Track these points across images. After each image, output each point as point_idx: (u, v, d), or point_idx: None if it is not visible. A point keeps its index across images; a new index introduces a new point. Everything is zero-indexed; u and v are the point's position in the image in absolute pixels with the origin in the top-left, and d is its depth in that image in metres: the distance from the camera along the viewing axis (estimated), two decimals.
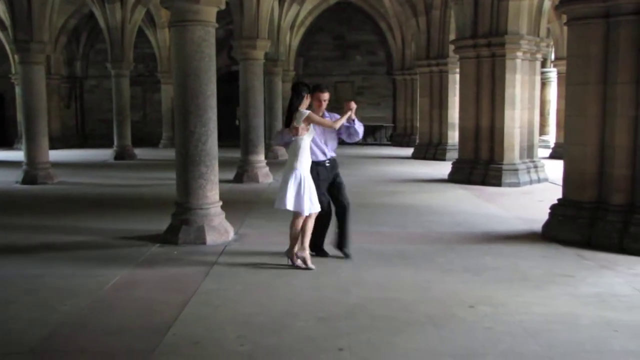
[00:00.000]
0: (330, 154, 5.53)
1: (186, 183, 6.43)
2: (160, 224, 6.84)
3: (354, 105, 5.47)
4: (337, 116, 5.47)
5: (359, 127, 5.49)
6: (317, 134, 5.39)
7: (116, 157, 16.82)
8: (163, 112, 21.98)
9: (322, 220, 5.44)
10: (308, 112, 5.21)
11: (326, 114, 5.51)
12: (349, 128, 5.48)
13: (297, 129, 5.18)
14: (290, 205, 5.10)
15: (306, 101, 5.23)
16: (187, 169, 6.41)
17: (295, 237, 5.26)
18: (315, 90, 5.36)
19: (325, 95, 5.39)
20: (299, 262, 5.25)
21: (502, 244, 6.29)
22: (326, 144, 5.49)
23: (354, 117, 5.47)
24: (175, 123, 6.60)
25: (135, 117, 21.27)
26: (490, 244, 6.30)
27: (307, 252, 5.26)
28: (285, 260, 5.36)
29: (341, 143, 5.81)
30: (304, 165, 5.16)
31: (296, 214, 5.22)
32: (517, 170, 10.82)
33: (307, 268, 5.18)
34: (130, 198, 9.75)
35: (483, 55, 10.94)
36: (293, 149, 5.20)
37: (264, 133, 12.26)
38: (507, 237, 6.61)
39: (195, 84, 6.30)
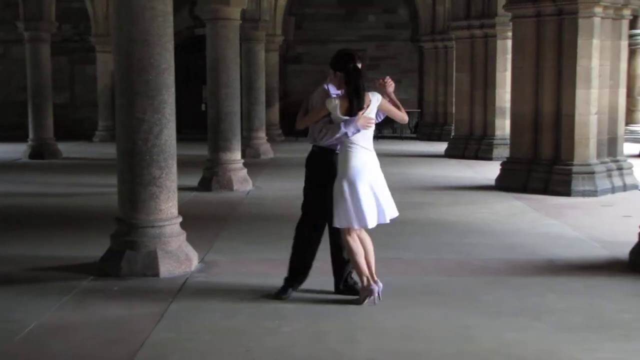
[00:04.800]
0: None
1: (132, 191, 6.44)
2: (95, 248, 6.83)
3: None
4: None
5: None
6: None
7: (32, 156, 16.81)
8: (99, 93, 21.98)
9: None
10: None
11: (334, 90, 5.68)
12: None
13: (368, 119, 5.43)
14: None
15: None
16: (133, 171, 6.41)
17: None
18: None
19: None
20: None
21: (573, 276, 6.28)
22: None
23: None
24: (116, 108, 6.61)
25: (59, 99, 21.29)
26: (555, 276, 6.30)
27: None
28: (271, 298, 5.40)
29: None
30: None
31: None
32: (593, 173, 10.82)
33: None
34: (52, 213, 9.74)
35: (546, 12, 10.96)
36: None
37: (241, 122, 12.27)
38: (579, 267, 6.61)
39: (145, 53, 6.32)
